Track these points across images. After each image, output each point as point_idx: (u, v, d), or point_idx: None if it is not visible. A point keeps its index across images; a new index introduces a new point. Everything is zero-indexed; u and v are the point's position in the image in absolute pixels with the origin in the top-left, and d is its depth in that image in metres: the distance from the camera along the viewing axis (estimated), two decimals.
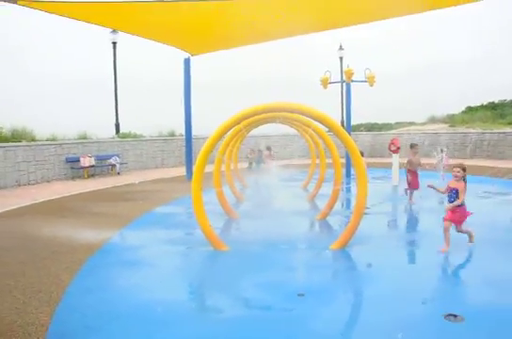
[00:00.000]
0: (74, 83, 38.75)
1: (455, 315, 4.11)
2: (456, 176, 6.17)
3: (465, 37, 52.05)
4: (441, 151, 12.07)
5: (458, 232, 6.32)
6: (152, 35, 13.92)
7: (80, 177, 16.47)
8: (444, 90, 37.49)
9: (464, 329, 3.93)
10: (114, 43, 21.80)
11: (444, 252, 6.10)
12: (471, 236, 6.47)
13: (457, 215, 6.22)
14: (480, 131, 22.26)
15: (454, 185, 6.21)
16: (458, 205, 6.17)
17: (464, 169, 6.23)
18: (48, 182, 15.32)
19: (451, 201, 6.23)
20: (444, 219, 6.25)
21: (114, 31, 20.83)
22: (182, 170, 16.96)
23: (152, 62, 45.24)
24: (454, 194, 6.21)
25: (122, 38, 21.42)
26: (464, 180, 6.25)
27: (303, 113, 6.75)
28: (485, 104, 29.99)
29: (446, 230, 6.23)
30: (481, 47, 48.93)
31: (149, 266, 5.92)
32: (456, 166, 6.24)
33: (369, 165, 14.02)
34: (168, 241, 7.20)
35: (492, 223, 8.16)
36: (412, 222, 8.73)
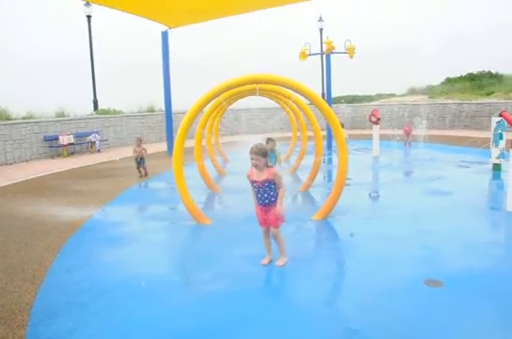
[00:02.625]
0: (47, 60, 37.60)
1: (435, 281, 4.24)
2: (256, 165, 4.65)
3: (443, 14, 51.86)
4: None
5: (266, 230, 4.95)
6: (128, 7, 13.48)
7: (60, 155, 16.20)
8: (424, 64, 37.55)
9: (443, 293, 4.05)
10: (88, 17, 21.07)
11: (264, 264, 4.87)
12: (282, 252, 4.95)
13: (272, 212, 4.75)
14: (459, 102, 22.44)
15: (262, 176, 4.66)
16: (274, 201, 4.75)
17: (265, 155, 4.63)
18: (27, 161, 15.03)
19: (267, 199, 4.73)
20: (273, 224, 4.80)
21: (87, 4, 20.12)
22: (163, 146, 16.82)
23: (129, 36, 44.07)
24: (268, 187, 4.70)
25: (97, 11, 20.74)
26: (267, 164, 4.71)
27: (283, 85, 6.69)
28: (464, 75, 30.07)
29: (276, 236, 4.90)
30: (460, 24, 48.95)
31: (132, 242, 5.92)
32: (252, 152, 4.61)
33: (350, 136, 14.16)
34: (151, 216, 7.19)
35: (470, 191, 8.35)
36: (393, 192, 8.86)
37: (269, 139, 8.17)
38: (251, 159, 4.64)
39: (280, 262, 4.85)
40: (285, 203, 5.70)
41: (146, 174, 11.11)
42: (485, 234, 5.96)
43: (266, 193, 4.71)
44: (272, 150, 7.74)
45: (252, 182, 4.76)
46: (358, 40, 14.93)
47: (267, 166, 4.70)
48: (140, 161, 11.06)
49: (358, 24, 46.15)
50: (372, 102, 27.59)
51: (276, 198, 4.74)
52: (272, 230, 4.84)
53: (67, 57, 33.56)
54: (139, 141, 11.18)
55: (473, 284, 4.22)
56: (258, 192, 4.76)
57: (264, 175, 4.66)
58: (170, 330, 3.57)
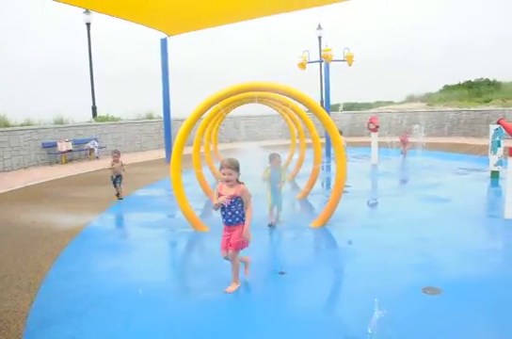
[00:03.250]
0: (46, 67, 37.73)
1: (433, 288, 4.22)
2: (227, 180, 4.28)
3: (441, 23, 52.36)
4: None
5: (225, 258, 4.54)
6: (127, 15, 13.55)
7: (58, 162, 16.19)
8: (422, 72, 37.76)
9: (442, 301, 4.04)
10: (88, 24, 21.19)
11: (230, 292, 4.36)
12: (246, 265, 4.76)
13: (237, 233, 4.37)
14: (457, 109, 22.52)
15: (230, 192, 4.30)
16: (241, 221, 4.38)
17: (237, 169, 4.32)
18: (25, 168, 15.01)
19: (231, 217, 4.35)
20: (233, 246, 4.39)
21: (87, 11, 20.24)
22: (161, 153, 16.81)
23: (128, 44, 44.31)
24: (234, 204, 4.32)
25: (96, 19, 20.86)
26: (238, 180, 4.37)
27: (282, 92, 6.71)
28: (462, 82, 30.25)
29: (238, 259, 4.55)
30: (459, 32, 49.36)
31: (130, 249, 5.90)
32: (225, 165, 4.27)
33: (349, 144, 14.18)
34: (149, 224, 7.17)
35: (468, 198, 8.35)
36: (391, 200, 8.86)
37: (273, 156, 6.68)
38: (223, 174, 4.27)
39: (230, 288, 4.38)
40: (283, 211, 5.72)
41: (119, 195, 9.12)
42: (483, 241, 5.94)
43: (231, 211, 4.31)
44: (276, 167, 6.63)
45: (219, 196, 4.35)
46: (356, 48, 15.06)
47: (238, 182, 4.37)
48: (116, 179, 9.04)
49: (356, 32, 46.49)
50: (370, 109, 27.68)
51: (241, 218, 4.35)
52: (230, 251, 4.39)
53: (66, 64, 33.71)
54: (117, 155, 9.09)
55: (472, 292, 4.21)
56: (222, 209, 4.35)
57: (232, 191, 4.28)
58: (168, 338, 3.54)
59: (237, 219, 4.36)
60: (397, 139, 14.86)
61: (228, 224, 4.41)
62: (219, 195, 4.35)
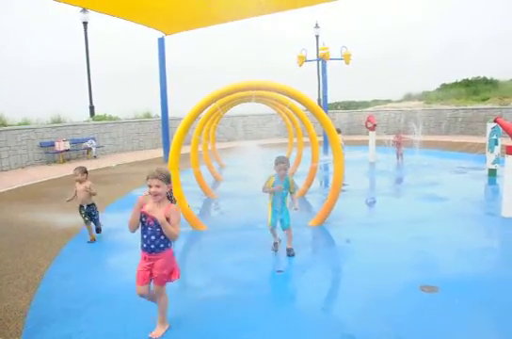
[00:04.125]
0: (44, 66, 37.65)
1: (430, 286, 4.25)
2: (156, 194, 3.44)
3: (439, 21, 52.47)
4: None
5: (142, 296, 3.63)
6: (124, 14, 13.52)
7: (55, 162, 16.16)
8: (420, 70, 37.81)
9: (439, 298, 4.06)
10: (85, 23, 21.13)
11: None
12: (161, 319, 3.66)
13: (162, 263, 3.52)
14: (454, 108, 22.55)
15: (157, 210, 3.43)
16: (166, 247, 3.54)
17: (168, 180, 3.50)
18: (22, 168, 14.99)
19: (153, 243, 3.49)
20: (157, 280, 3.56)
21: (84, 10, 20.18)
22: (159, 152, 16.80)
23: (125, 43, 44.21)
24: (159, 227, 3.43)
25: (93, 18, 20.81)
26: (170, 198, 3.58)
27: (279, 91, 6.72)
28: (459, 80, 30.28)
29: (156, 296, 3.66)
30: (456, 31, 49.47)
31: (128, 249, 5.88)
32: (151, 175, 3.47)
33: (346, 142, 14.19)
34: None
35: (465, 196, 8.37)
36: (389, 198, 8.88)
37: (281, 160, 5.28)
38: (149, 186, 3.44)
39: (156, 332, 3.56)
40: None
41: (95, 235, 6.34)
42: (480, 239, 5.97)
43: (155, 235, 3.45)
44: (282, 175, 5.28)
45: (142, 215, 3.48)
46: (354, 46, 15.05)
47: (169, 198, 3.56)
48: (88, 210, 6.30)
49: (353, 31, 46.51)
50: (368, 108, 27.69)
51: (166, 244, 3.52)
52: (155, 286, 3.58)
53: (63, 63, 33.62)
54: (82, 173, 6.37)
55: (469, 290, 4.23)
56: (144, 231, 3.49)
57: (159, 210, 3.42)
58: (167, 338, 3.55)
59: (162, 246, 3.48)
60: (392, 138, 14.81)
61: (149, 251, 3.49)
62: (142, 213, 3.47)
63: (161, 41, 15.17)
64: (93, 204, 6.43)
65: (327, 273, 4.94)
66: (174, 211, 3.48)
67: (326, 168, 12.31)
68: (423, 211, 7.39)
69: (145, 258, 3.54)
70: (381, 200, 8.86)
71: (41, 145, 15.88)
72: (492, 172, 10.19)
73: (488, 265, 4.96)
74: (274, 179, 5.28)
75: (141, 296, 3.60)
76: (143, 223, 3.51)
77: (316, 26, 27.10)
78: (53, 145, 16.02)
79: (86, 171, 6.46)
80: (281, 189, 5.22)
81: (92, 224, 6.36)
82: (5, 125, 15.59)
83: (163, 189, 3.45)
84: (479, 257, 5.16)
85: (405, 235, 6.09)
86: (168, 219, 3.39)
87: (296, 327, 3.64)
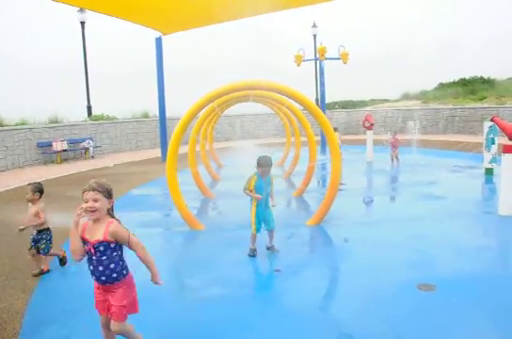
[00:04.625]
0: (41, 66, 37.57)
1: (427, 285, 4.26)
2: (92, 210, 2.85)
3: (435, 20, 52.60)
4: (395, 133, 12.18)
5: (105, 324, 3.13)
6: (121, 13, 13.50)
7: (53, 162, 16.14)
8: (417, 70, 37.83)
9: (436, 297, 4.07)
10: (82, 23, 21.08)
11: None
12: None
13: (120, 293, 2.98)
14: (452, 107, 22.59)
15: (96, 234, 2.88)
16: (122, 276, 2.99)
17: (109, 194, 2.93)
18: (20, 168, 14.96)
19: (104, 274, 2.92)
20: (115, 315, 2.98)
21: (81, 10, 20.13)
22: (157, 152, 16.80)
23: (123, 43, 44.15)
24: (104, 253, 2.90)
25: (91, 17, 20.76)
26: (111, 213, 2.96)
27: (277, 91, 6.73)
28: (456, 80, 30.30)
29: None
30: (453, 30, 49.59)
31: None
32: (88, 188, 2.86)
33: (344, 142, 14.21)
34: (145, 223, 7.16)
35: (462, 195, 8.39)
36: (386, 197, 8.90)
37: (264, 160, 5.07)
38: (85, 201, 2.83)
39: None
40: (278, 209, 5.65)
41: (63, 261, 5.26)
42: (477, 238, 5.98)
43: (102, 265, 2.85)
44: (265, 175, 5.11)
45: (84, 241, 2.89)
46: (351, 46, 15.06)
47: (111, 215, 2.95)
48: (37, 237, 5.02)
49: (351, 30, 46.55)
50: (366, 107, 27.71)
51: (121, 272, 2.96)
52: (112, 323, 2.97)
53: (61, 63, 33.54)
54: (33, 192, 5.15)
55: (465, 289, 4.24)
56: (89, 261, 2.90)
57: (99, 232, 2.84)
58: (164, 337, 3.55)
59: (115, 275, 2.91)
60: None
61: (101, 283, 2.93)
62: (83, 240, 2.88)
63: (158, 41, 15.16)
64: (46, 230, 5.07)
65: (324, 272, 4.95)
66: (116, 229, 2.84)
67: (323, 167, 12.32)
68: (420, 210, 7.40)
69: (98, 288, 2.98)
70: (379, 199, 8.87)
71: (39, 145, 15.86)
72: (489, 171, 10.22)
73: (484, 263, 4.97)
74: (256, 179, 5.08)
75: (103, 325, 3.07)
76: (86, 251, 2.85)
77: (314, 26, 27.09)
78: (50, 145, 16.00)
79: (40, 190, 5.14)
80: (260, 199, 5.08)
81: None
82: (2, 125, 15.55)
83: (102, 204, 2.83)
84: (476, 255, 5.17)
85: (402, 234, 6.10)
86: (112, 243, 2.83)
87: (294, 326, 3.64)
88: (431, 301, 3.98)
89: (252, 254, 5.28)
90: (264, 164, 5.04)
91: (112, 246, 2.90)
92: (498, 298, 4.03)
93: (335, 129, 13.89)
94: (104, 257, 2.88)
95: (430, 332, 3.46)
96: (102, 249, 2.86)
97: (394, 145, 12.33)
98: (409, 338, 3.39)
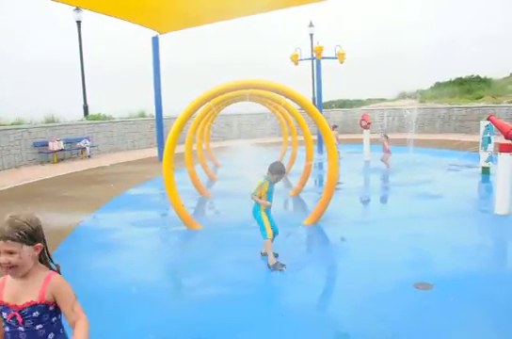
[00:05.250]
0: (37, 65, 37.45)
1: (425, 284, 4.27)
2: (10, 266, 1.97)
3: (432, 20, 52.78)
4: (386, 136, 11.83)
5: None
6: (118, 12, 13.45)
7: (49, 162, 16.07)
8: (413, 69, 37.92)
9: (433, 296, 4.07)
10: (78, 22, 20.99)
11: None
12: None
13: None
14: (448, 106, 22.64)
15: (24, 295, 2.01)
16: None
17: (29, 237, 2.01)
18: (16, 167, 14.89)
19: None
20: None
21: (77, 9, 20.06)
22: (154, 152, 16.74)
23: (119, 42, 44.07)
24: (35, 320, 2.00)
25: (87, 17, 20.69)
26: (46, 261, 2.20)
27: (274, 90, 6.72)
28: (453, 79, 30.36)
29: None
30: (449, 30, 49.76)
31: (122, 248, 5.88)
32: (8, 225, 1.95)
33: (341, 141, 14.21)
34: (142, 222, 7.15)
35: (459, 194, 8.41)
36: (383, 196, 8.91)
37: (280, 171, 4.91)
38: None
39: None
40: (275, 208, 5.59)
41: None
42: (474, 237, 5.99)
43: (36, 337, 2.02)
44: (274, 182, 4.98)
45: (3, 307, 2.01)
46: (348, 45, 15.07)
47: (48, 265, 2.18)
48: None
49: (348, 30, 46.63)
50: (362, 106, 27.74)
51: None
52: None
53: (57, 62, 33.45)
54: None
55: (462, 287, 4.24)
56: (13, 335, 2.01)
57: (30, 291, 2.01)
58: (161, 337, 3.54)
59: None
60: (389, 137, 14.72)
61: None
62: (2, 306, 2.01)
63: (155, 41, 15.11)
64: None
65: (321, 271, 4.94)
66: (63, 284, 2.08)
67: (320, 166, 12.32)
68: (417, 209, 7.41)
69: None
70: (375, 198, 8.88)
71: (35, 145, 15.79)
72: (486, 170, 10.24)
73: (481, 262, 4.98)
74: (268, 184, 4.87)
75: None
76: (4, 321, 2.01)
77: (311, 25, 27.08)
78: (46, 145, 15.93)
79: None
80: (270, 206, 4.94)
81: None
82: None
83: (23, 257, 1.97)
84: (473, 254, 5.18)
85: (399, 233, 6.10)
86: (51, 305, 2.03)
87: (291, 325, 3.64)
88: (428, 300, 3.98)
89: (281, 269, 4.76)
90: (280, 171, 4.84)
91: (51, 309, 2.04)
92: (495, 296, 4.03)
93: (334, 127, 13.88)
94: (39, 326, 2.01)
95: (427, 331, 3.46)
96: (36, 314, 1.99)
97: (386, 147, 11.44)
98: (407, 337, 3.39)
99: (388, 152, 11.46)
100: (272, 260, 4.84)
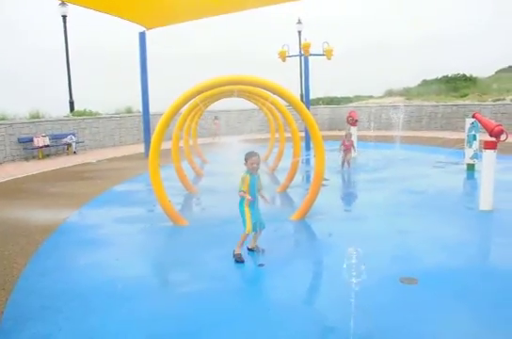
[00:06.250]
0: (22, 60, 36.88)
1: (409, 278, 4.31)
2: None
3: (418, 16, 53.11)
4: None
5: None
6: (105, 7, 13.30)
7: (34, 158, 15.87)
8: (401, 67, 38.17)
9: (418, 290, 4.12)
10: (64, 17, 20.70)
11: None
12: None
13: None
14: (434, 104, 22.84)
15: None
16: None
17: None
18: (0, 164, 14.69)
19: None
20: None
21: (63, 3, 19.78)
22: (140, 148, 16.64)
23: (105, 37, 43.59)
24: None
25: (73, 12, 20.41)
26: None
27: (260, 86, 6.70)
28: (439, 77, 30.64)
29: None
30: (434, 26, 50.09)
31: (108, 245, 5.83)
32: None
33: (328, 138, 14.23)
34: (128, 219, 7.10)
35: (444, 190, 8.49)
36: (369, 192, 8.96)
37: (251, 155, 4.91)
38: None
39: None
40: (262, 204, 5.59)
41: None
42: (458, 232, 6.05)
43: None
44: (255, 172, 4.92)
45: None
46: (335, 42, 15.06)
47: None
48: None
49: (334, 24, 46.71)
50: (350, 103, 27.85)
51: None
52: None
53: (42, 58, 32.99)
54: None
55: (447, 282, 4.30)
56: None
57: None
58: (148, 334, 3.52)
59: None
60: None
61: None
62: None
63: (142, 36, 14.97)
64: None
65: (308, 266, 4.96)
66: None
67: (307, 162, 12.35)
68: (402, 205, 7.47)
69: None
70: (362, 194, 8.93)
71: (20, 141, 15.58)
72: (470, 167, 10.36)
73: (465, 257, 5.04)
74: (249, 177, 4.85)
75: None
76: None
77: (299, 22, 27.09)
78: (31, 141, 15.72)
79: None
80: (253, 200, 4.88)
81: None
82: None
83: None
84: (457, 250, 5.23)
85: (385, 229, 6.15)
86: None
87: (277, 320, 3.65)
88: (413, 294, 4.03)
89: (241, 261, 4.93)
90: (248, 155, 4.88)
91: None
92: (478, 290, 4.09)
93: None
94: None
95: (413, 325, 3.50)
96: None
97: (348, 148, 10.89)
98: (392, 330, 3.42)
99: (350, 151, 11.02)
100: (237, 250, 5.01)
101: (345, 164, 10.97)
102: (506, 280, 4.33)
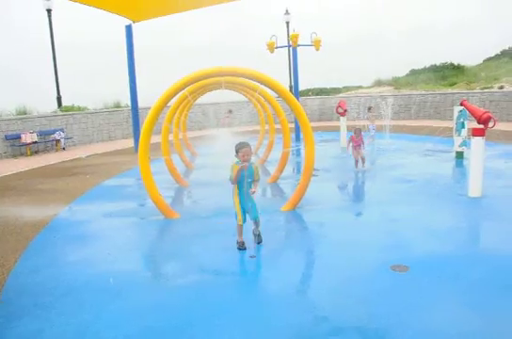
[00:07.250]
0: (8, 56, 36.32)
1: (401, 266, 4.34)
2: None
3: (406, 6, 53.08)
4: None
5: None
6: (90, 0, 13.10)
7: (23, 155, 15.71)
8: (389, 57, 38.15)
9: (409, 277, 4.15)
10: (49, 11, 20.39)
11: None
12: None
13: None
14: (423, 93, 22.92)
15: None
16: None
17: None
18: None
19: None
20: None
21: None
22: (130, 142, 16.53)
23: (91, 31, 43.07)
24: None
25: (58, 5, 20.09)
26: None
27: (248, 77, 6.65)
28: (427, 66, 30.70)
29: None
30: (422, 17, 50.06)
31: (99, 239, 5.80)
32: None
33: (318, 128, 14.26)
34: (119, 213, 7.06)
35: (434, 178, 8.55)
36: (359, 182, 8.99)
37: (243, 146, 4.88)
38: None
39: None
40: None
41: None
42: (449, 219, 6.10)
43: None
44: (247, 162, 4.87)
45: None
46: (322, 31, 15.00)
47: None
48: None
49: (322, 15, 46.51)
50: (339, 94, 27.85)
51: None
52: None
53: (28, 53, 32.53)
54: None
55: (438, 268, 4.33)
56: None
57: None
58: (141, 328, 3.50)
59: None
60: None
61: None
62: None
63: (128, 29, 14.78)
64: None
65: (300, 256, 4.97)
66: None
67: (298, 153, 12.35)
68: (393, 193, 7.52)
69: None
70: (352, 183, 8.97)
71: (7, 138, 15.39)
72: (459, 155, 10.43)
73: (456, 243, 5.09)
74: (238, 167, 4.81)
75: None
76: None
77: (286, 13, 26.92)
78: (19, 137, 15.55)
79: None
80: (246, 167, 4.82)
81: None
82: None
83: None
84: (448, 236, 5.29)
85: (376, 217, 6.19)
86: None
87: (270, 310, 3.66)
88: (405, 281, 4.06)
89: (242, 248, 5.03)
90: (241, 145, 4.86)
91: None
92: (469, 276, 4.13)
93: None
94: None
95: (405, 312, 3.52)
96: None
97: (358, 144, 9.68)
98: (385, 318, 3.44)
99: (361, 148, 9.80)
100: (238, 238, 5.14)
101: (360, 162, 9.78)
102: (496, 265, 4.37)
